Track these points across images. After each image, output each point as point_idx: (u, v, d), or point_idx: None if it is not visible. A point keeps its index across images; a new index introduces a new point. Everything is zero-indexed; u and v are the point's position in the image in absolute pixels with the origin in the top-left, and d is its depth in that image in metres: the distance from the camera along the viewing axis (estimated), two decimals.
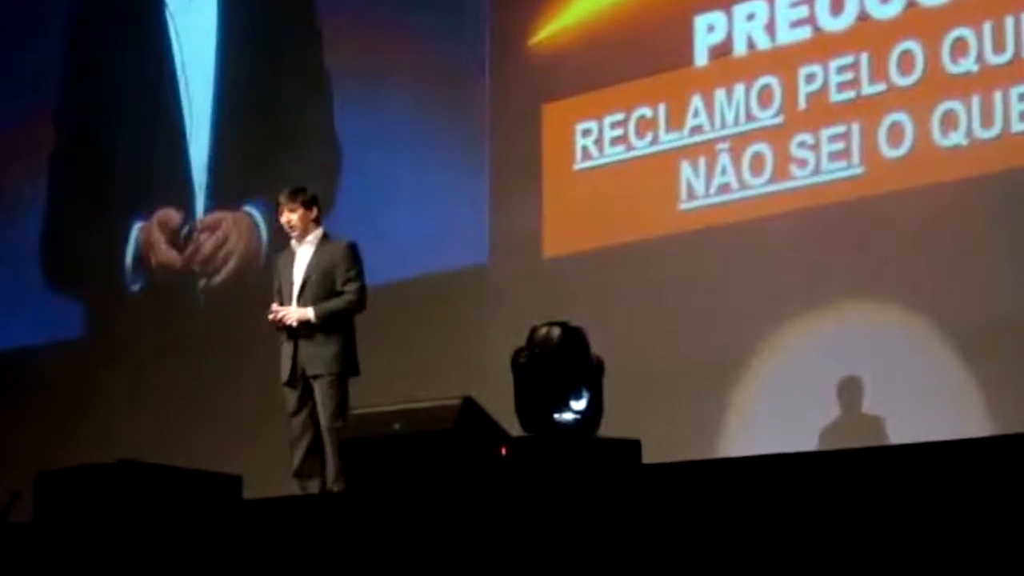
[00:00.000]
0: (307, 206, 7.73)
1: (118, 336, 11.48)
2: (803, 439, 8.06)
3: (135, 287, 11.67)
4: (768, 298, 8.63)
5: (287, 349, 7.61)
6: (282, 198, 7.77)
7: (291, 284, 7.68)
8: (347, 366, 7.58)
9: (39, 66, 12.30)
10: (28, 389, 11.78)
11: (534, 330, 5.79)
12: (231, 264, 11.18)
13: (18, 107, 12.38)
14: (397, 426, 5.68)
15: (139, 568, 5.32)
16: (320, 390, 7.51)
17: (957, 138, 8.17)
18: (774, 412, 8.48)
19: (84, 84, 12.18)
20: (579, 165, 9.41)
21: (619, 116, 9.27)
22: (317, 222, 7.77)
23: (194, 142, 11.49)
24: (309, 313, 7.55)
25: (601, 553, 4.50)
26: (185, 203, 11.53)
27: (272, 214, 10.16)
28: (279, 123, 11.00)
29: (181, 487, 5.76)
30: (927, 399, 8.03)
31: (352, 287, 7.62)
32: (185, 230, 11.46)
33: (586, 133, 9.37)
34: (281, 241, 8.92)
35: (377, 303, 9.67)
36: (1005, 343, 7.91)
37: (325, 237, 7.76)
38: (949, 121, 8.17)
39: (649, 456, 5.52)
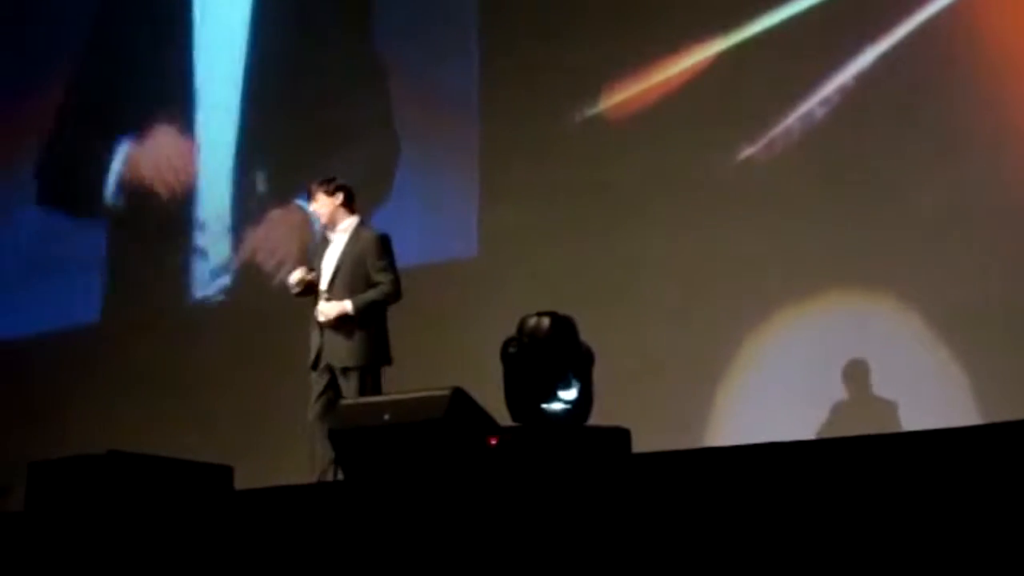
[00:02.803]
0: (331, 194, 7.67)
1: (112, 324, 11.46)
2: (792, 428, 8.08)
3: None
4: (756, 285, 8.67)
5: (315, 336, 7.55)
6: (311, 186, 7.77)
7: (321, 274, 7.63)
8: (374, 357, 7.50)
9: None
10: (18, 380, 11.77)
11: (524, 320, 5.80)
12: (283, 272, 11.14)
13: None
14: (387, 416, 5.69)
15: (130, 557, 5.34)
16: (345, 383, 7.45)
17: None
18: (761, 401, 8.51)
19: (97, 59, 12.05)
20: None
21: None
22: (350, 211, 7.70)
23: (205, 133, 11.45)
24: (348, 307, 7.48)
25: (591, 542, 4.52)
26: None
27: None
28: (321, 112, 10.89)
29: (171, 477, 5.77)
30: (914, 386, 8.07)
31: (386, 277, 7.54)
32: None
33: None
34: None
35: None
36: (990, 330, 7.97)
37: (360, 226, 7.71)
38: None
39: (639, 445, 5.54)
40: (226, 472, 6.23)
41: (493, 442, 5.34)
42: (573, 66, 9.42)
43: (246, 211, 10.95)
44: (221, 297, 11.00)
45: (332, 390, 7.48)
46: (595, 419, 5.80)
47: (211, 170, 11.20)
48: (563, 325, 5.77)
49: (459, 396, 5.59)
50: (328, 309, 7.48)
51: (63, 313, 11.70)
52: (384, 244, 7.64)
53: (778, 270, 8.63)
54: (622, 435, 5.50)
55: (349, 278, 7.56)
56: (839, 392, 8.39)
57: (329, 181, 7.75)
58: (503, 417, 5.71)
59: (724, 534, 4.32)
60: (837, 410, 8.36)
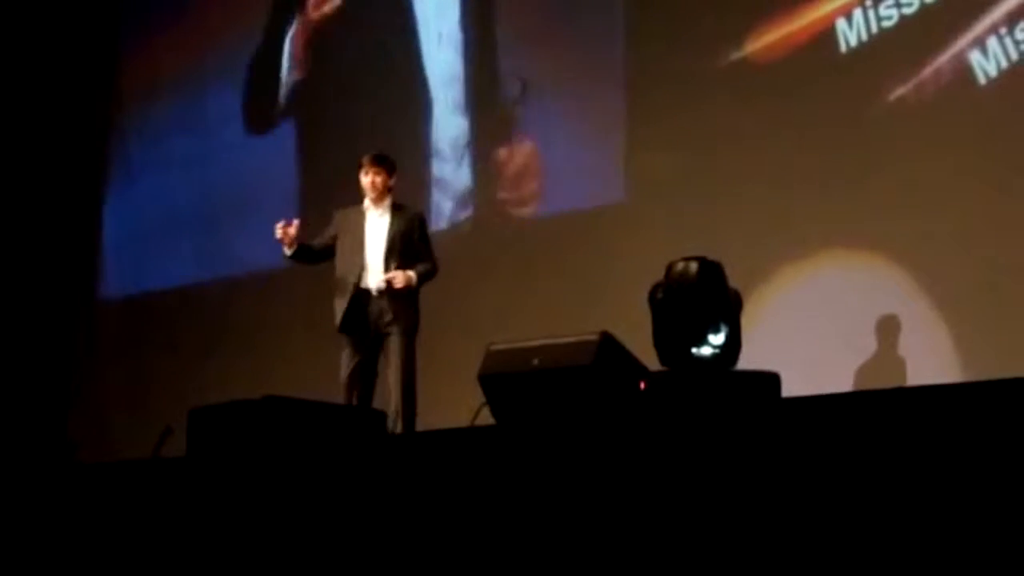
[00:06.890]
0: (391, 172, 8.20)
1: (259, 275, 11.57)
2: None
3: None
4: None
5: (354, 302, 8.04)
6: (367, 159, 8.22)
7: (362, 244, 8.10)
8: (418, 322, 8.12)
9: None
10: (176, 328, 11.98)
11: (671, 265, 5.81)
12: None
13: None
14: (536, 361, 5.74)
15: (287, 501, 5.45)
16: (394, 344, 8.00)
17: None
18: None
19: None
20: None
21: None
22: (391, 190, 8.25)
23: None
24: (413, 278, 8.04)
25: (741, 485, 4.54)
26: None
27: None
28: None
29: (327, 422, 5.88)
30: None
31: (432, 256, 8.18)
32: None
33: None
34: None
35: (519, 239, 9.72)
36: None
37: (396, 205, 8.22)
38: None
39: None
40: (379, 417, 6.32)
41: (643, 386, 5.37)
42: (721, 8, 9.36)
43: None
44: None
45: (374, 353, 8.03)
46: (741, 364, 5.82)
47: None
48: (711, 270, 5.77)
49: (608, 341, 5.63)
50: (398, 279, 7.98)
51: (215, 262, 11.89)
52: (426, 224, 8.37)
53: (925, 213, 8.53)
54: (772, 380, 5.49)
55: (404, 252, 8.09)
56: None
57: (388, 158, 8.25)
58: (650, 363, 5.73)
59: (871, 478, 4.32)
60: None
